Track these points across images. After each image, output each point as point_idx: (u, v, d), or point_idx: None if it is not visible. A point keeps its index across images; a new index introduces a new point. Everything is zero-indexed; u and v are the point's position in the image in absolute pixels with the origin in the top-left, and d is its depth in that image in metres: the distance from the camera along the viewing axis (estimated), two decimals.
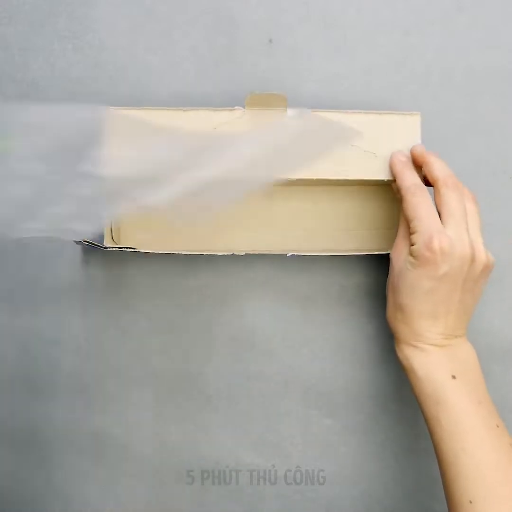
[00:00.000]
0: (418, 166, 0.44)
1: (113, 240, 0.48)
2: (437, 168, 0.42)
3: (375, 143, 0.46)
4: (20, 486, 0.52)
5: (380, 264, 0.50)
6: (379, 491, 0.51)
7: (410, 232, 0.41)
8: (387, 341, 0.50)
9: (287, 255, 0.45)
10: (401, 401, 0.50)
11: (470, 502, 0.36)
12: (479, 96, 0.50)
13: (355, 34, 0.50)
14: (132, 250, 0.46)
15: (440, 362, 0.40)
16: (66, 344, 0.51)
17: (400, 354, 0.42)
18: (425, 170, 0.43)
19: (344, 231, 0.50)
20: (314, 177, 0.46)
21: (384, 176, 0.46)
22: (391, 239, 0.50)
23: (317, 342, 0.51)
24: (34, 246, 0.51)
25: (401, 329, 0.42)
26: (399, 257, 0.42)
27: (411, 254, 0.40)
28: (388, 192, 0.50)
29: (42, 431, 0.51)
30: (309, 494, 0.51)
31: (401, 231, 0.42)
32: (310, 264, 0.50)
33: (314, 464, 0.51)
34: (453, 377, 0.39)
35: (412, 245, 0.40)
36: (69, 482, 0.52)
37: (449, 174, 0.42)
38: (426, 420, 0.41)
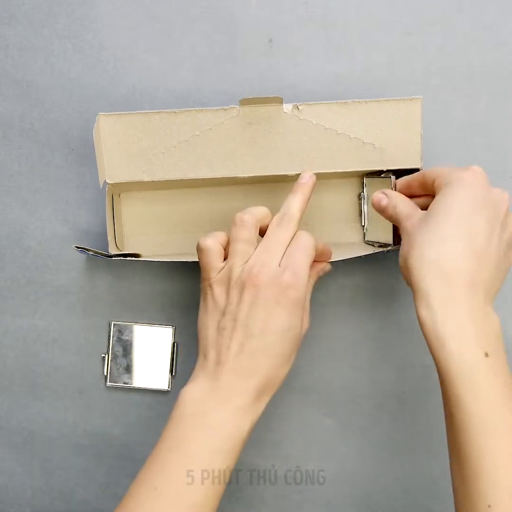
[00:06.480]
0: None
1: (117, 247, 0.47)
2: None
3: (375, 134, 0.45)
4: (20, 486, 0.52)
5: (380, 263, 0.50)
6: (379, 491, 0.51)
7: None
8: (387, 341, 0.50)
9: None
10: (401, 401, 0.50)
11: (489, 506, 0.33)
12: (479, 96, 0.50)
13: (355, 34, 0.50)
14: (136, 259, 0.46)
15: (477, 336, 0.35)
16: (66, 344, 0.51)
17: (426, 314, 0.35)
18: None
19: (345, 223, 0.50)
20: (314, 171, 0.46)
21: (383, 166, 0.46)
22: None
23: (318, 342, 0.51)
24: (35, 247, 0.51)
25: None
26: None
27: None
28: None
29: (42, 431, 0.51)
30: (309, 494, 0.51)
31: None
32: None
33: (314, 464, 0.51)
34: (486, 355, 0.34)
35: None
36: (69, 482, 0.52)
37: None
38: (446, 401, 0.36)
